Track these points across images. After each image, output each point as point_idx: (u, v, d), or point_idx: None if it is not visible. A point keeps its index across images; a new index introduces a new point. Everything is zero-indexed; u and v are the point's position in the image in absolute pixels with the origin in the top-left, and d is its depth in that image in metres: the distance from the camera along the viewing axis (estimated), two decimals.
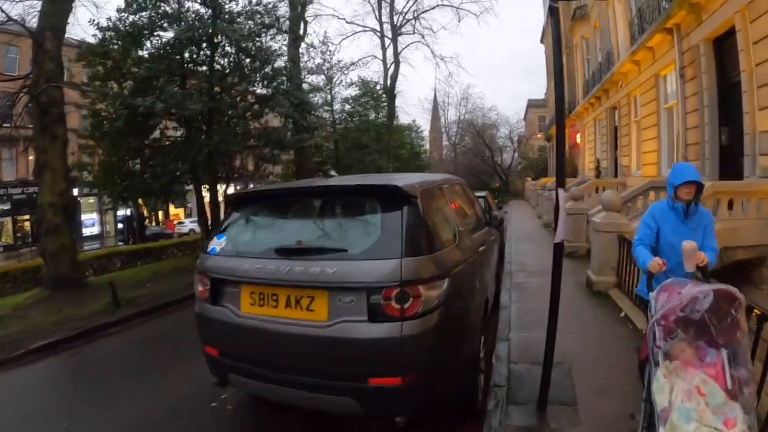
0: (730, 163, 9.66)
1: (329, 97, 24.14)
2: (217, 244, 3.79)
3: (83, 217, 37.20)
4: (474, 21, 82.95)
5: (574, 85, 28.82)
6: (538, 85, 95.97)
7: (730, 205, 7.73)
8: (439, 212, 3.90)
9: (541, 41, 45.95)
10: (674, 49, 11.79)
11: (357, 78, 26.15)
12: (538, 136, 51.93)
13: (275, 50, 14.90)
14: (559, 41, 3.80)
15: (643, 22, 13.95)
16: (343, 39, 29.42)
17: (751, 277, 8.06)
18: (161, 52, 12.75)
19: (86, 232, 37.47)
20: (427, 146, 62.19)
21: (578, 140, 27.14)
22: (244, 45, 13.21)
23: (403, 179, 3.74)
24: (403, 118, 43.27)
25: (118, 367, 6.09)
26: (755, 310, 3.11)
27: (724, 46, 10.01)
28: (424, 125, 59.43)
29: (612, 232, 7.17)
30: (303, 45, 22.67)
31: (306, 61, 20.41)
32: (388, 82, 27.53)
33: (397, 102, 63.36)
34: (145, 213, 42.63)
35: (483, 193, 12.56)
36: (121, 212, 36.26)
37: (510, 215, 23.21)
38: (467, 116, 54.36)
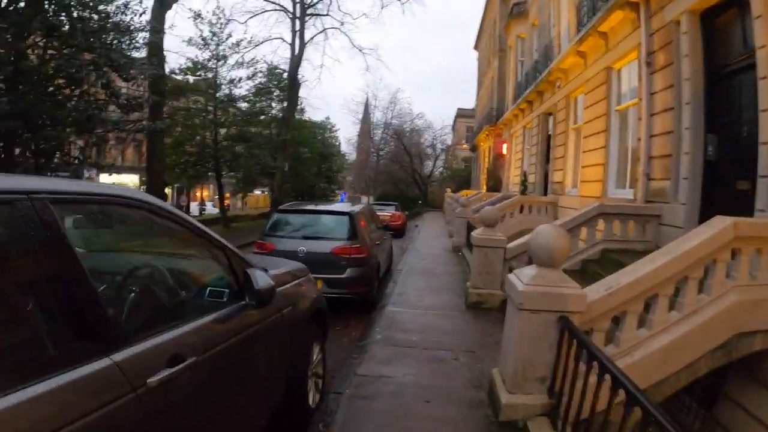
0: (722, 187, 6.56)
1: (210, 75, 19.67)
2: None
3: None
4: (398, 10, 78.68)
5: (504, 90, 26.27)
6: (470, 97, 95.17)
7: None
8: None
9: (475, 47, 43.75)
10: (639, 30, 8.73)
11: (252, 58, 21.41)
12: (464, 146, 49.74)
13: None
14: None
15: (596, 1, 10.93)
16: (250, 17, 24.79)
17: (760, 373, 4.84)
18: None
19: None
20: (344, 148, 58.50)
21: (504, 151, 24.37)
22: None
23: None
24: (321, 116, 39.28)
25: None
26: None
27: (717, 20, 6.98)
28: (350, 128, 55.37)
29: (547, 311, 3.48)
30: (188, 14, 18.44)
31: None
32: (296, 70, 23.23)
33: (319, 99, 59.38)
34: None
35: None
36: None
37: (419, 231, 19.95)
38: (394, 121, 51.11)
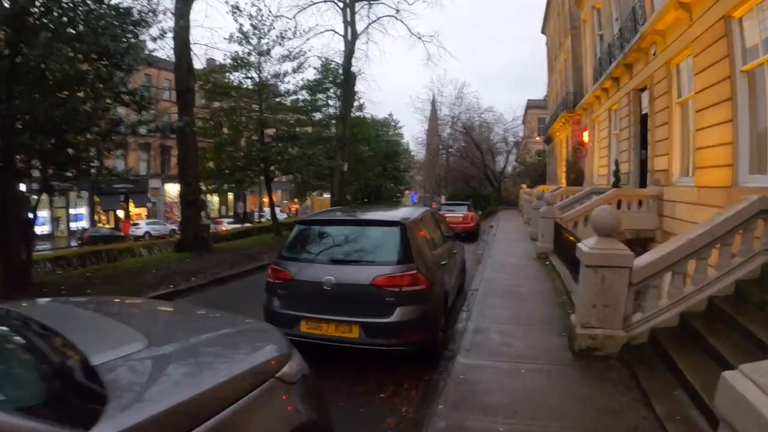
0: None
1: (254, 72, 18.33)
2: None
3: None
4: None
5: (581, 72, 23.58)
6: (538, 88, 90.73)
7: None
8: None
9: (542, 31, 40.71)
10: None
11: (299, 50, 19.74)
12: (537, 138, 46.61)
13: None
14: None
15: None
16: (298, 12, 23.52)
17: None
18: None
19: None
20: (413, 147, 56.81)
21: (585, 139, 21.66)
22: None
23: None
24: (385, 114, 37.66)
25: None
26: None
27: None
28: (418, 126, 53.33)
29: None
30: (227, 7, 17.32)
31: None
32: (349, 61, 21.65)
33: (377, 92, 57.64)
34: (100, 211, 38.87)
35: None
36: None
37: (495, 233, 17.74)
38: (461, 116, 48.64)
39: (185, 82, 13.36)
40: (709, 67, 8.69)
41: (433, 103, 54.83)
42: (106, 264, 14.55)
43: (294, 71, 18.65)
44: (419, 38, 26.14)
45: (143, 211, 41.72)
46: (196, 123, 17.53)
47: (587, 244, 4.94)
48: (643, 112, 13.08)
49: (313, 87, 20.54)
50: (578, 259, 5.28)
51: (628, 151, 14.09)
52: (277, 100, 19.17)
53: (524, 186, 34.54)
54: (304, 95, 20.53)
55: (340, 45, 22.64)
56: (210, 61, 20.93)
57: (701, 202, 8.81)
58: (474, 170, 45.09)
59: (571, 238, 8.35)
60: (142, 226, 36.09)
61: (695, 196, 9.10)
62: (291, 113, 20.26)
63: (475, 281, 8.77)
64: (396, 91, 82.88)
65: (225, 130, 18.66)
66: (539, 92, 52.29)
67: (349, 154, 22.08)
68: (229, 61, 18.05)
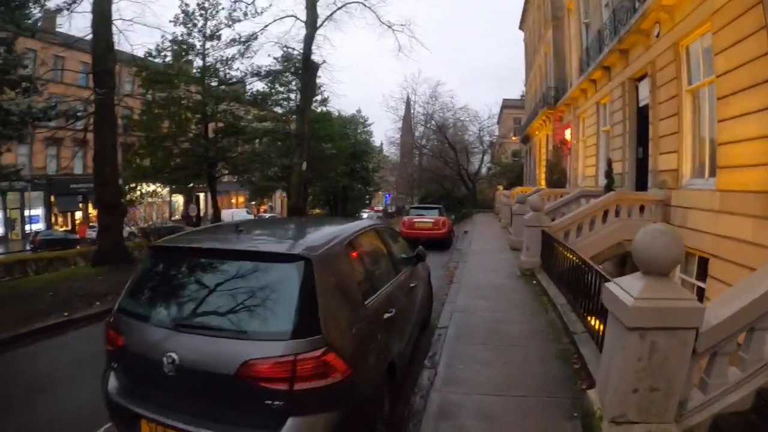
0: None
1: (200, 60, 16.14)
2: None
3: None
4: None
5: (563, 65, 22.02)
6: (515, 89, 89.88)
7: None
8: None
9: (520, 27, 39.33)
10: None
11: (252, 34, 17.49)
12: (513, 138, 45.18)
13: None
14: None
15: None
16: None
17: None
18: None
19: None
20: (387, 149, 55.24)
21: (568, 137, 20.07)
22: None
23: None
24: (352, 110, 35.74)
25: None
26: None
27: None
28: (392, 126, 51.57)
29: None
30: None
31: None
32: (311, 50, 19.49)
33: (349, 92, 55.84)
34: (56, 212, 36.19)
35: None
36: None
37: (470, 241, 15.90)
38: (435, 115, 46.81)
39: (103, 63, 11.19)
40: (738, 44, 7.00)
41: (408, 102, 53.16)
42: (5, 281, 12.33)
43: (241, 55, 16.47)
44: (389, 27, 24.10)
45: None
46: (131, 115, 15.38)
47: (630, 292, 2.90)
48: (641, 104, 11.44)
49: (266, 76, 18.30)
50: (595, 295, 3.43)
51: (622, 148, 12.43)
52: (223, 87, 16.83)
53: (501, 187, 32.96)
54: (262, 85, 18.39)
55: (303, 32, 20.57)
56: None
57: (726, 209, 7.15)
58: (448, 170, 43.38)
59: (570, 255, 6.55)
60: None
61: (716, 203, 7.42)
62: (242, 105, 18.01)
63: (445, 312, 6.75)
64: (369, 90, 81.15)
65: (165, 123, 16.32)
66: (515, 93, 50.96)
67: (309, 151, 19.90)
68: (168, 44, 15.82)
